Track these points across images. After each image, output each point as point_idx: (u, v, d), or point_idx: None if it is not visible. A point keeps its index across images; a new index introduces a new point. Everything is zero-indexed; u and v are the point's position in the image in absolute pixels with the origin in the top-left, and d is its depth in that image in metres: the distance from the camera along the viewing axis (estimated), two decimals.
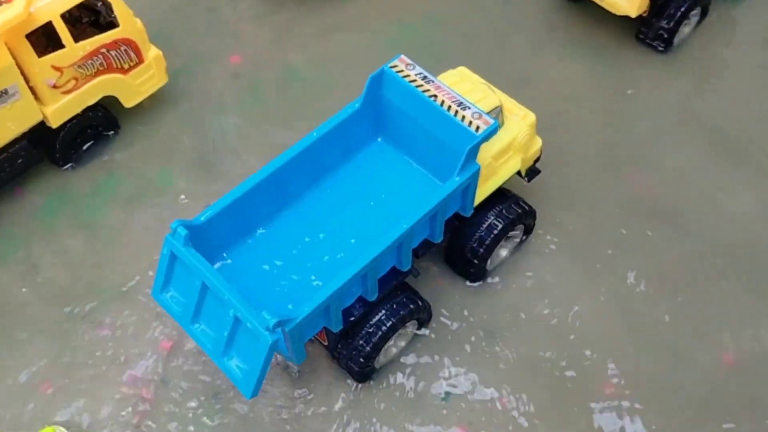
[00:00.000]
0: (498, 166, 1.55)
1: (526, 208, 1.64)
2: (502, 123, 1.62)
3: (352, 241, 1.39)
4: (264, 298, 1.26)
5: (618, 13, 2.07)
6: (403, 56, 1.28)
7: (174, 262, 1.20)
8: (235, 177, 1.78)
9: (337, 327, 1.31)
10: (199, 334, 1.27)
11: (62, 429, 1.38)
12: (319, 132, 1.29)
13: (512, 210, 1.66)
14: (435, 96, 1.30)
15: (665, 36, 2.32)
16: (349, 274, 1.19)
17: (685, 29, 2.45)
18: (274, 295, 1.26)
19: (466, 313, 1.60)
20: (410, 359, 1.45)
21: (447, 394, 1.49)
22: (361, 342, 1.40)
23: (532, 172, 1.72)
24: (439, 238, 1.53)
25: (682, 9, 2.33)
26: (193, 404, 1.45)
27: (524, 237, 1.80)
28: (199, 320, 1.27)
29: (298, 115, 1.85)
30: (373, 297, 1.36)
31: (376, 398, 1.45)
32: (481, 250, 1.77)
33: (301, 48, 2.09)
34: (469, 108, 1.29)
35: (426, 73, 1.25)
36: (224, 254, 1.28)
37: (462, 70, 1.53)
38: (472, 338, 1.57)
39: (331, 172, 1.43)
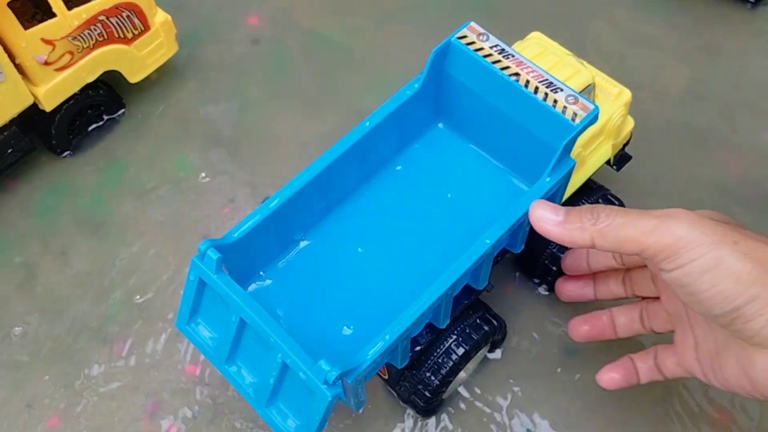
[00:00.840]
0: (587, 156, 1.14)
1: (615, 202, 1.20)
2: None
3: (415, 251, 1.00)
4: (313, 328, 0.97)
5: None
6: (473, 23, 0.96)
7: (203, 289, 0.91)
8: (262, 161, 1.50)
9: (403, 363, 1.01)
10: (236, 376, 0.99)
11: None
12: (372, 121, 0.94)
13: (607, 201, 1.23)
14: (517, 75, 0.84)
15: None
16: (421, 308, 0.85)
17: None
18: (324, 321, 0.96)
19: (546, 326, 1.26)
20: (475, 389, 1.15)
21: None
22: (428, 374, 1.06)
23: (621, 158, 1.28)
24: (520, 248, 1.08)
25: None
26: None
27: None
28: (237, 360, 0.99)
29: (326, 89, 1.56)
30: (444, 324, 1.02)
31: None
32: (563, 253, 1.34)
33: (330, 6, 1.75)
34: (562, 90, 0.85)
35: (503, 45, 0.94)
36: (261, 272, 0.99)
37: (538, 37, 1.14)
38: (550, 359, 1.20)
39: (384, 168, 1.05)
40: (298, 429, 0.85)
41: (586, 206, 0.66)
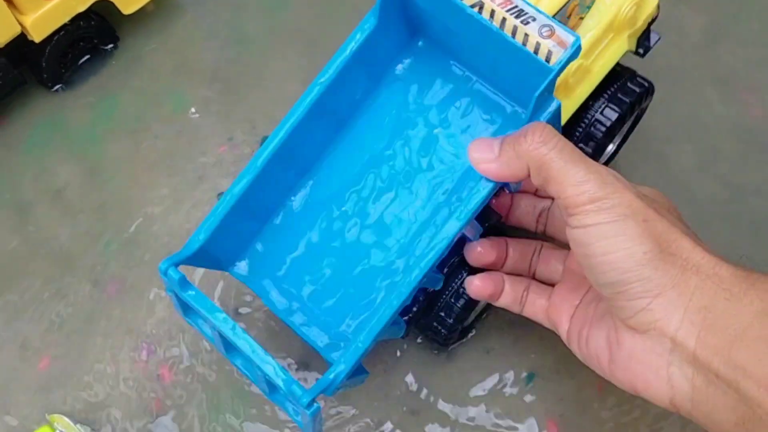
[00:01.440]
0: (591, 63, 0.96)
1: (645, 84, 0.96)
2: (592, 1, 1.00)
3: (401, 204, 0.88)
4: (299, 307, 0.88)
5: None
6: None
7: (180, 300, 0.84)
8: (259, 98, 1.44)
9: (399, 333, 0.92)
10: (239, 365, 0.92)
11: (64, 419, 1.13)
12: (331, 68, 0.76)
13: (629, 92, 0.93)
14: (481, 4, 0.68)
15: None
16: (406, 286, 0.70)
17: None
18: (308, 295, 0.87)
19: None
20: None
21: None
22: (440, 314, 0.97)
23: (645, 41, 0.97)
24: (517, 187, 0.95)
25: None
26: (223, 394, 1.13)
27: (634, 125, 1.16)
28: (234, 355, 0.92)
29: (330, 29, 1.49)
30: (439, 285, 0.92)
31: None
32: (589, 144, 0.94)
33: None
34: (535, 19, 0.65)
35: None
36: (242, 258, 0.89)
37: None
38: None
39: (361, 104, 0.86)
40: (298, 420, 0.81)
41: (519, 131, 0.62)
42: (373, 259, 0.79)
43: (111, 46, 1.48)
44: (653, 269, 0.56)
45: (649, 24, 0.92)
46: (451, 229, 0.65)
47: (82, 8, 1.32)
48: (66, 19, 1.30)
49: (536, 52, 0.61)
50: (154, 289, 1.25)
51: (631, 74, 0.84)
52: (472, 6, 0.63)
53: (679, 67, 1.48)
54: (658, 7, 0.90)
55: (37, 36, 1.29)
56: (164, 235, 1.29)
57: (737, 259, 1.13)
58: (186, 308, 0.78)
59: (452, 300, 0.88)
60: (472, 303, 0.90)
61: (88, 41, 1.41)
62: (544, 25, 0.61)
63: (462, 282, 0.88)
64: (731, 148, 1.36)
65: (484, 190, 0.63)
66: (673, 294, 0.56)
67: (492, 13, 0.62)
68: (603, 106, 0.88)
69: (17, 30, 1.25)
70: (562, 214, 0.62)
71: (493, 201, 0.84)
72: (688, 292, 0.56)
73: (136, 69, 1.51)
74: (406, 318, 0.83)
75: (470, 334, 1.11)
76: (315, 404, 0.66)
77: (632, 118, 1.01)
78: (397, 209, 0.78)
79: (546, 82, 0.61)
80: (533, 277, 0.82)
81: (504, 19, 0.61)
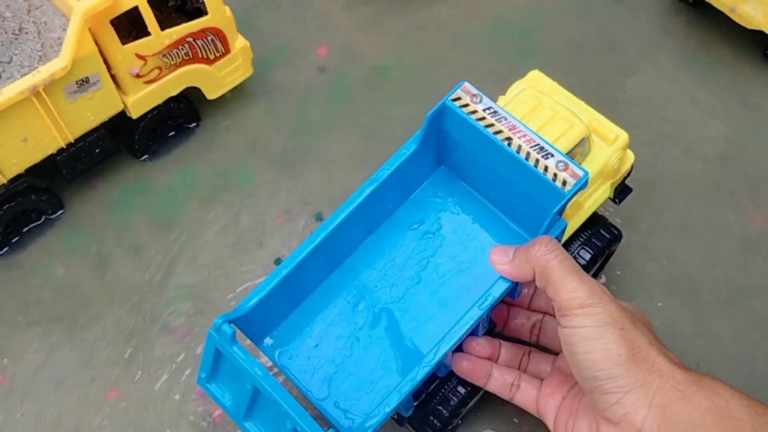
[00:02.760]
0: (583, 200, 1.08)
1: (615, 232, 1.16)
2: (589, 150, 1.18)
3: (419, 303, 0.86)
4: (322, 382, 1.02)
5: (749, 27, 1.78)
6: (467, 84, 1.00)
7: (220, 357, 0.89)
8: (316, 178, 1.63)
9: (408, 412, 1.06)
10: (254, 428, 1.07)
11: None
12: (372, 183, 0.90)
13: (601, 237, 1.13)
14: (509, 139, 0.91)
15: None
16: (422, 373, 0.93)
17: None
18: (331, 375, 1.02)
19: None
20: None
21: None
22: (437, 408, 0.98)
23: (622, 191, 1.21)
24: (519, 296, 1.12)
25: None
26: None
27: (601, 267, 1.28)
28: (253, 419, 1.07)
29: (377, 116, 1.69)
30: (445, 373, 1.07)
31: None
32: None
33: (392, 44, 1.91)
34: (552, 155, 0.90)
35: (496, 107, 0.97)
36: (273, 333, 1.06)
37: (535, 76, 1.15)
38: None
39: (389, 216, 0.98)
40: None
41: (530, 242, 0.71)
42: (393, 348, 0.94)
43: (194, 125, 1.70)
44: (625, 369, 0.64)
45: (624, 178, 1.15)
46: (473, 316, 0.82)
47: (174, 92, 1.54)
48: (160, 100, 1.52)
49: (554, 181, 0.79)
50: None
51: (604, 222, 1.11)
52: (503, 140, 0.82)
53: (695, 176, 1.63)
54: (632, 166, 1.11)
55: (135, 113, 1.51)
56: (227, 292, 1.46)
57: (740, 354, 1.25)
58: (215, 370, 0.92)
59: (450, 394, 1.04)
60: (466, 399, 1.05)
61: (175, 119, 1.63)
62: (560, 161, 0.79)
63: (449, 390, 1.03)
64: (734, 252, 1.48)
65: (501, 287, 0.75)
66: (640, 392, 0.64)
67: (519, 148, 0.79)
68: (579, 248, 1.10)
69: (120, 108, 1.47)
70: (556, 315, 0.71)
71: (492, 314, 0.89)
72: (651, 391, 0.64)
73: (212, 145, 1.72)
74: (415, 403, 0.96)
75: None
76: None
77: (603, 257, 1.23)
78: (417, 312, 0.88)
79: (562, 203, 0.79)
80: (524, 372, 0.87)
81: (528, 153, 0.79)
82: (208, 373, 0.92)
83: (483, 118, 0.88)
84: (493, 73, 1.00)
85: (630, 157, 1.16)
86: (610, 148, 1.06)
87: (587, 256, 1.13)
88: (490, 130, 0.87)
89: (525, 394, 0.80)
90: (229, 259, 1.41)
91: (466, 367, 0.85)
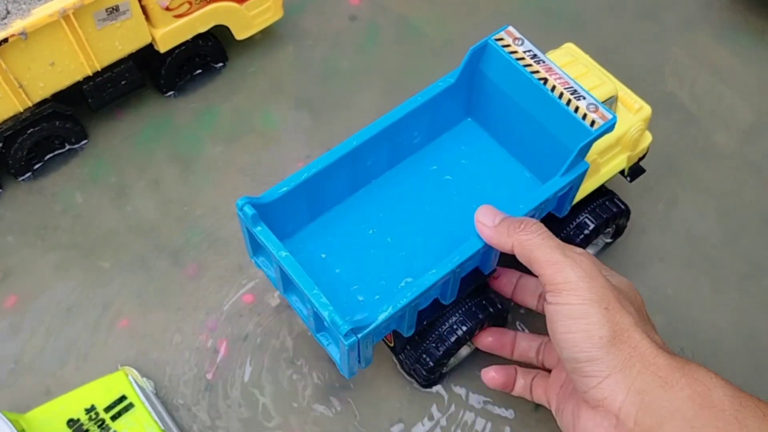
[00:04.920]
0: (602, 163, 1.19)
1: (622, 206, 1.23)
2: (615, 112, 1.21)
3: (432, 232, 1.10)
4: (339, 282, 1.08)
5: None
6: (510, 28, 1.02)
7: (252, 236, 0.97)
8: (339, 126, 1.61)
9: (409, 331, 1.08)
10: (293, 303, 1.11)
11: (134, 371, 1.27)
12: (404, 108, 1.01)
13: (607, 209, 1.22)
14: (545, 79, 0.93)
15: None
16: (429, 280, 0.88)
17: None
18: (341, 287, 1.08)
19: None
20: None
21: None
22: (431, 345, 1.08)
23: (635, 171, 1.28)
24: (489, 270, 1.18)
25: None
26: (270, 363, 1.28)
27: (612, 240, 1.38)
28: (291, 293, 1.11)
29: (406, 69, 1.66)
30: (450, 300, 1.08)
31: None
32: None
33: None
34: (584, 98, 0.92)
35: (536, 51, 0.99)
36: (298, 233, 1.04)
37: (570, 48, 1.20)
38: None
39: (413, 152, 1.10)
40: (337, 360, 0.94)
41: (519, 218, 0.70)
42: (404, 259, 0.95)
43: (220, 65, 1.68)
44: (605, 353, 0.62)
45: (640, 159, 1.14)
46: (474, 245, 0.81)
47: (203, 29, 1.51)
48: (189, 36, 1.50)
49: (583, 119, 0.83)
50: (223, 281, 1.41)
51: (612, 196, 1.16)
52: (539, 80, 0.82)
53: (725, 149, 1.58)
54: (648, 147, 1.15)
55: (163, 47, 1.49)
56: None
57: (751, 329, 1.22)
58: (255, 247, 0.95)
59: (446, 333, 1.04)
60: (451, 351, 1.05)
61: (202, 58, 1.61)
62: (591, 104, 0.82)
63: (447, 329, 1.05)
64: (756, 228, 1.45)
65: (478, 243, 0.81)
66: (620, 376, 0.61)
67: (553, 88, 0.85)
68: (585, 216, 1.09)
69: (148, 40, 1.45)
70: (544, 291, 0.69)
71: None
72: (631, 376, 0.61)
73: (237, 87, 1.70)
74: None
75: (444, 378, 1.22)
76: (353, 336, 0.80)
77: (609, 229, 1.22)
78: (429, 224, 0.94)
79: (588, 139, 0.82)
80: (542, 366, 0.88)
81: (562, 93, 0.84)
82: (252, 250, 0.95)
83: (522, 59, 0.89)
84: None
85: (648, 137, 1.14)
86: (634, 117, 1.06)
87: (591, 226, 1.13)
88: (528, 69, 0.87)
89: (538, 390, 0.81)
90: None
91: (492, 378, 0.88)
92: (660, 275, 1.35)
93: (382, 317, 0.82)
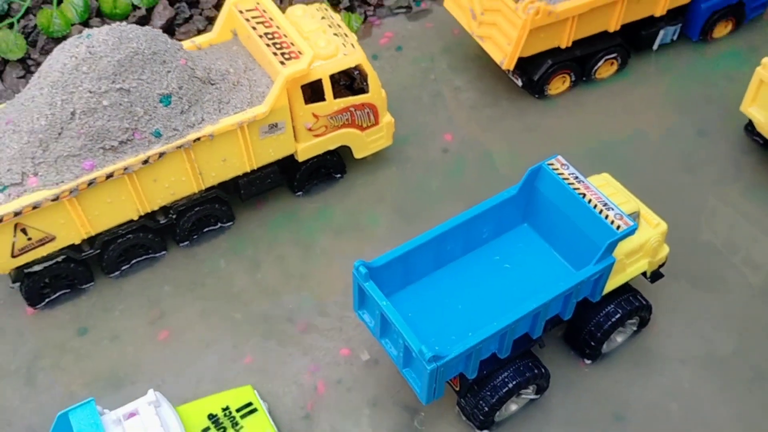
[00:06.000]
0: (628, 264, 1.89)
1: (644, 302, 1.94)
2: (638, 226, 1.88)
3: (494, 304, 1.81)
4: (422, 332, 1.77)
5: None
6: (559, 156, 1.47)
7: (362, 291, 1.67)
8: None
9: (472, 374, 1.65)
10: (387, 346, 1.73)
11: (256, 391, 1.66)
12: (477, 209, 1.75)
13: (631, 302, 1.98)
14: (584, 194, 1.62)
15: None
16: (493, 329, 1.55)
17: None
18: (430, 331, 1.76)
19: (582, 390, 1.76)
20: None
21: None
22: (487, 393, 1.70)
23: (655, 275, 2.03)
24: (568, 316, 1.87)
25: None
26: (356, 403, 1.70)
27: (638, 329, 2.08)
28: (386, 337, 1.73)
29: (482, 191, 2.11)
30: (505, 355, 1.68)
31: None
32: (599, 333, 2.12)
33: (504, 139, 2.35)
34: (613, 209, 1.58)
35: (578, 174, 1.43)
36: (393, 295, 1.75)
37: (606, 176, 1.94)
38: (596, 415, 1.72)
39: (482, 245, 1.86)
40: (419, 385, 1.30)
41: None
42: (469, 321, 1.35)
43: (339, 175, 2.15)
44: None
45: (660, 266, 1.54)
46: (528, 306, 1.21)
47: (332, 147, 2.02)
48: (322, 151, 2.00)
49: (611, 224, 1.65)
50: (326, 338, 1.80)
51: (635, 293, 1.91)
52: (580, 194, 1.22)
53: (736, 284, 1.93)
54: (667, 256, 1.43)
55: (301, 157, 2.00)
56: (339, 304, 1.82)
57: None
58: (362, 301, 1.34)
59: (499, 384, 1.40)
60: (503, 399, 1.42)
61: (327, 169, 2.08)
62: (618, 213, 1.28)
63: (500, 381, 1.41)
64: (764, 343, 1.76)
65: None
66: None
67: (590, 201, 1.21)
68: (614, 306, 1.44)
69: (293, 150, 1.94)
70: None
71: None
72: None
73: (351, 194, 2.18)
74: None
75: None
76: (434, 363, 1.16)
77: (634, 320, 1.62)
78: (492, 299, 1.75)
79: (614, 238, 1.30)
80: None
81: (596, 205, 1.22)
82: (357, 304, 1.39)
83: (567, 179, 1.37)
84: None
85: (666, 248, 1.58)
86: (653, 230, 1.51)
87: (617, 315, 1.52)
88: (572, 186, 1.34)
89: None
90: (349, 280, 1.81)
91: None
92: (673, 371, 1.68)
93: (456, 351, 1.22)
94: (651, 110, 2.72)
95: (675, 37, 2.97)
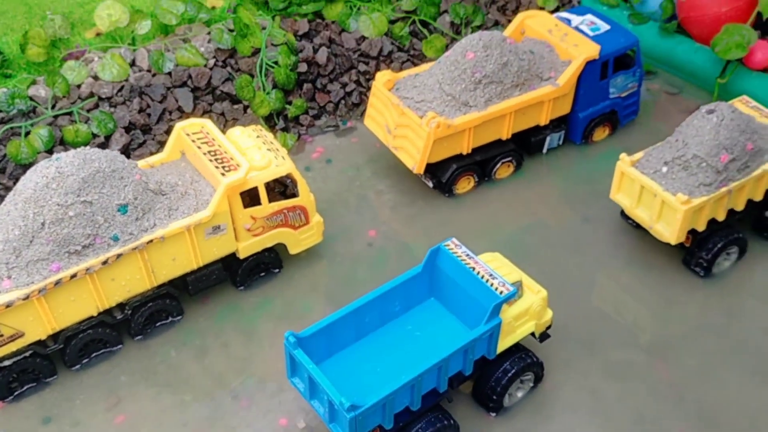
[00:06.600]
0: (516, 326, 2.38)
1: (535, 359, 2.45)
2: (521, 294, 2.46)
3: (408, 365, 2.23)
4: (345, 392, 2.17)
5: (662, 240, 2.56)
6: (454, 239, 1.89)
7: (292, 357, 2.08)
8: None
9: (389, 425, 2.15)
10: (315, 407, 1.85)
11: None
12: (388, 285, 2.24)
13: (524, 359, 2.47)
14: (473, 267, 2.13)
15: (704, 264, 2.94)
16: (403, 380, 1.99)
17: (725, 263, 3.06)
18: (353, 391, 2.18)
19: None
20: None
21: None
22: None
23: (543, 335, 2.55)
24: (469, 371, 2.34)
25: (719, 245, 2.96)
26: None
27: (535, 384, 2.55)
28: (314, 397, 2.15)
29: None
30: (416, 407, 2.15)
31: None
32: (498, 388, 2.57)
33: (421, 233, 2.73)
34: (497, 278, 2.10)
35: (469, 252, 1.83)
36: (323, 361, 2.23)
37: (496, 255, 2.53)
38: None
39: (396, 317, 2.33)
40: None
41: None
42: (389, 379, 2.15)
43: (277, 270, 2.46)
44: None
45: (547, 328, 2.64)
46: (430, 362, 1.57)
47: (269, 245, 2.39)
48: (260, 249, 2.35)
49: (495, 290, 2.25)
50: (267, 410, 2.07)
51: (527, 352, 2.49)
52: (470, 268, 1.57)
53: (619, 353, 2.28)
54: (552, 319, 2.44)
55: (242, 255, 2.35)
56: (278, 380, 2.10)
57: None
58: (293, 369, 1.62)
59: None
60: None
61: (265, 264, 2.40)
62: (501, 282, 2.33)
63: (419, 427, 2.31)
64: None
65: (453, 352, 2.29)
66: None
67: (479, 273, 2.29)
68: (508, 363, 2.45)
69: (234, 248, 2.27)
70: None
71: None
72: None
73: (288, 285, 2.51)
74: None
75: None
76: (352, 412, 1.44)
77: (530, 378, 2.04)
78: (405, 359, 2.30)
79: (498, 301, 2.25)
80: None
81: (484, 276, 2.31)
82: (290, 371, 1.67)
83: (460, 256, 1.77)
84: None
85: (549, 312, 1.99)
86: (535, 296, 1.95)
87: (512, 371, 1.95)
88: (466, 263, 1.73)
89: None
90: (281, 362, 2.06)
91: None
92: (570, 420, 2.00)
93: (372, 400, 1.54)
94: (544, 203, 3.23)
95: (561, 142, 3.48)
